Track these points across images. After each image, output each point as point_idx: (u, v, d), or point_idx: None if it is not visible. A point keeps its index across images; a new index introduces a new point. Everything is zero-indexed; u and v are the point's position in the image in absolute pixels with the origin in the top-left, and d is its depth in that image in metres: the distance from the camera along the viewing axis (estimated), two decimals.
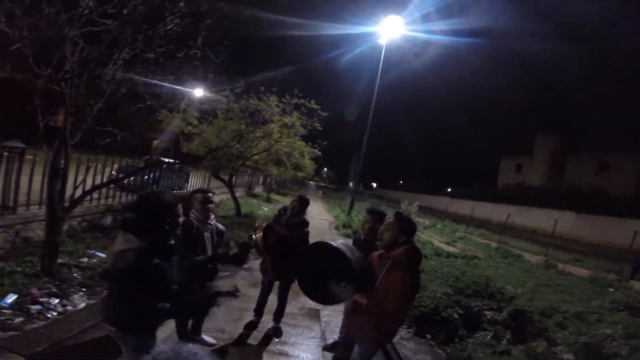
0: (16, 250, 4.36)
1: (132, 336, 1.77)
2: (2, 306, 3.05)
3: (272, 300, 3.83)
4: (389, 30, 14.34)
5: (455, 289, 5.73)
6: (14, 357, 2.29)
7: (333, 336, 3.94)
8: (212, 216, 2.98)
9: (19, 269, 3.72)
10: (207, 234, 2.89)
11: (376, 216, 3.32)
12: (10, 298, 3.16)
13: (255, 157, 10.89)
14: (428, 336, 4.36)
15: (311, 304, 4.76)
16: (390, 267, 2.24)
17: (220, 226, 3.14)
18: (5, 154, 4.52)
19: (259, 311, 3.80)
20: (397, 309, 2.23)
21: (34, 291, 3.40)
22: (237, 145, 9.20)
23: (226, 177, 11.33)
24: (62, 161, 3.96)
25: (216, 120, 9.55)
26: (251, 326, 3.73)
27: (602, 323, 4.87)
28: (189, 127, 9.67)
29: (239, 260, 3.00)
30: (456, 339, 4.27)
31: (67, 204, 4.13)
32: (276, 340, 3.64)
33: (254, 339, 3.59)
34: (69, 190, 4.15)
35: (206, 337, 3.26)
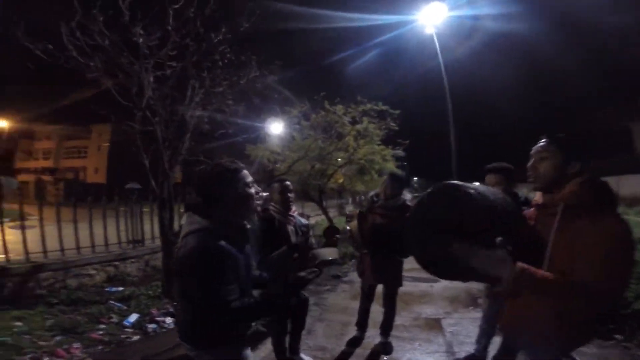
0: (146, 277, 5.12)
1: (207, 352, 1.37)
2: (125, 325, 3.33)
3: (378, 311, 3.21)
4: (433, 18, 12.97)
5: None
6: None
7: (465, 348, 3.06)
8: (294, 208, 2.64)
9: (145, 293, 4.20)
10: (290, 227, 2.54)
11: (506, 173, 2.45)
12: (133, 318, 3.45)
13: (337, 176, 10.62)
14: (617, 337, 3.06)
15: (429, 312, 3.94)
16: (565, 217, 1.31)
17: (304, 220, 2.75)
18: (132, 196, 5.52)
19: (361, 323, 3.20)
20: (602, 285, 1.17)
21: (154, 311, 3.66)
22: (318, 165, 9.11)
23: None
24: (166, 192, 4.32)
25: (294, 142, 9.65)
26: (355, 342, 3.14)
27: None
28: (274, 156, 9.97)
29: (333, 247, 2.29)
30: None
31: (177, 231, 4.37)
32: (385, 358, 2.97)
33: (359, 357, 2.98)
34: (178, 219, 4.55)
35: (306, 358, 2.79)
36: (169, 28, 4.48)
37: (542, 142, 1.46)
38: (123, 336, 3.07)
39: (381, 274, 2.95)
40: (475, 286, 5.12)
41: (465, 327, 3.51)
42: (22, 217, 4.26)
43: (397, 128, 9.45)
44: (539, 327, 1.36)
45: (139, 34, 4.32)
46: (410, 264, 3.10)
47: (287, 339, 2.69)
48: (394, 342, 3.11)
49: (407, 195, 2.98)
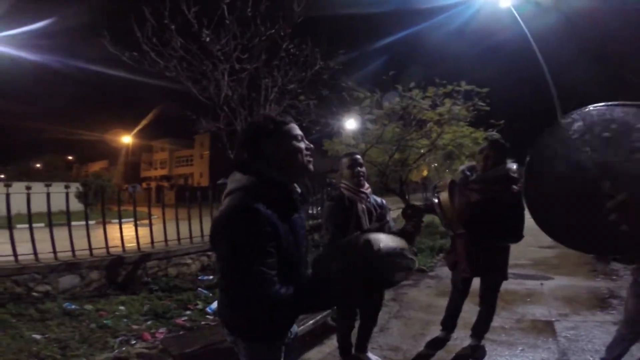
0: None
1: (242, 341, 1.20)
2: (207, 312, 3.44)
3: (468, 311, 2.74)
4: None
5: None
6: (165, 357, 2.34)
7: (585, 357, 2.42)
8: (367, 185, 2.32)
9: None
10: (361, 206, 2.24)
11: None
12: (215, 304, 3.47)
13: (421, 167, 9.89)
14: None
15: (537, 314, 3.29)
16: None
17: (379, 199, 2.41)
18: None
19: (448, 323, 2.76)
20: None
21: None
22: (397, 155, 8.61)
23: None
24: None
25: (368, 131, 9.30)
26: (437, 344, 2.71)
27: None
28: (349, 148, 9.79)
29: (408, 235, 1.62)
30: None
31: None
32: None
33: None
34: None
35: (373, 357, 2.50)
36: (235, 32, 4.77)
37: None
38: (203, 322, 3.21)
39: (481, 264, 2.43)
40: (603, 284, 4.16)
41: (588, 332, 2.80)
42: (149, 215, 4.85)
43: (487, 108, 8.35)
44: None
45: (209, 39, 4.65)
46: (513, 258, 2.57)
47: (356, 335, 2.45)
48: (488, 346, 2.61)
49: (512, 165, 2.40)
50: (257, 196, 1.08)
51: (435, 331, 2.83)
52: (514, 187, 2.34)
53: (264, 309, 1.08)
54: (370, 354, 2.48)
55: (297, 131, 1.21)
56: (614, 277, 4.46)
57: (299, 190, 1.22)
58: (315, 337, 2.76)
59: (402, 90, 8.43)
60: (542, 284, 4.29)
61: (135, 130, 33.80)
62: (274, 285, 1.05)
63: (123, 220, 4.59)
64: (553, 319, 3.14)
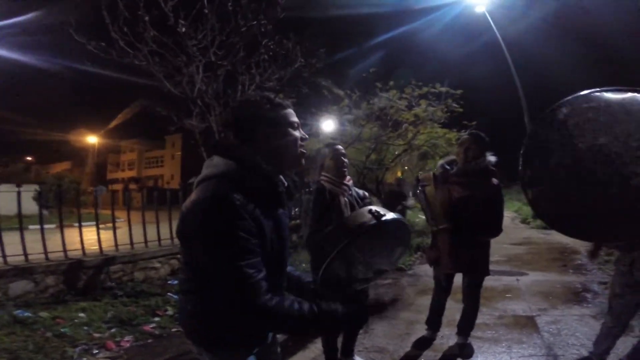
0: None
1: (209, 352, 1.01)
2: (178, 317, 3.14)
3: (451, 308, 2.68)
4: None
5: None
6: None
7: (572, 351, 2.42)
8: (349, 177, 2.23)
9: None
10: (343, 199, 2.12)
11: None
12: None
13: (396, 168, 9.99)
14: None
15: (518, 309, 3.29)
16: None
17: (361, 191, 2.33)
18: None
19: (433, 321, 2.67)
20: None
21: None
22: (374, 155, 8.63)
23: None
24: None
25: (347, 132, 9.28)
26: (423, 343, 2.62)
27: None
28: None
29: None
30: None
31: None
32: None
33: None
34: None
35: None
36: (214, 24, 4.57)
37: None
38: (174, 329, 2.96)
39: (463, 260, 2.36)
40: (575, 279, 4.28)
41: (569, 327, 2.82)
42: (112, 218, 4.54)
43: (460, 110, 8.59)
44: None
45: (185, 30, 4.42)
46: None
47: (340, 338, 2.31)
48: (474, 344, 2.55)
49: (492, 158, 2.37)
50: (237, 185, 0.91)
51: (420, 330, 2.75)
52: (494, 180, 2.33)
53: (247, 320, 0.91)
54: (357, 358, 2.35)
55: (295, 118, 1.06)
56: (584, 272, 4.62)
57: (285, 183, 1.05)
58: (297, 342, 2.59)
59: (380, 90, 8.51)
60: (517, 279, 4.36)
61: (102, 131, 32.12)
62: (263, 293, 0.87)
63: (86, 223, 4.26)
64: (534, 314, 3.15)
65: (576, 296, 3.62)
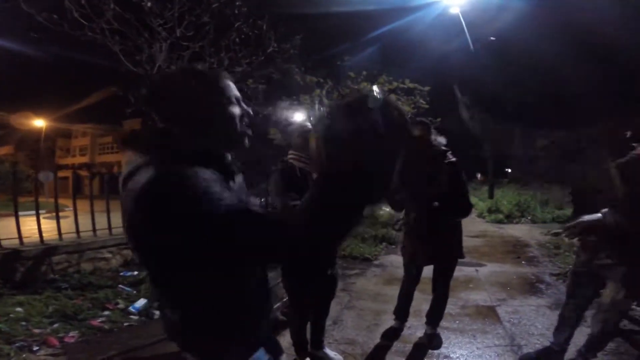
0: None
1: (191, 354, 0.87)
2: (131, 311, 3.03)
3: (416, 299, 2.68)
4: None
5: None
6: None
7: (533, 341, 2.48)
8: None
9: None
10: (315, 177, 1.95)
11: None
12: (140, 303, 3.14)
13: None
14: None
15: (479, 299, 3.36)
16: None
17: None
18: None
19: (401, 311, 2.66)
20: None
21: None
22: None
23: None
24: None
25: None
26: (392, 334, 2.60)
27: None
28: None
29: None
30: None
31: None
32: (435, 352, 2.39)
33: (398, 353, 2.43)
34: None
35: (331, 353, 2.28)
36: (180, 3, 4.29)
37: None
38: (126, 324, 2.74)
39: (439, 246, 2.33)
40: (529, 270, 4.49)
41: (528, 317, 2.92)
42: (56, 205, 4.07)
43: (427, 106, 8.83)
44: None
45: (150, 9, 4.10)
46: None
47: (309, 330, 2.22)
48: (441, 334, 2.56)
49: (442, 139, 2.39)
50: (180, 162, 0.70)
51: (388, 321, 2.73)
52: (450, 157, 2.32)
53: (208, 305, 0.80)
54: (327, 350, 2.26)
55: (234, 91, 0.85)
56: (536, 264, 4.88)
57: (229, 157, 0.87)
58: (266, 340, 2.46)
59: (352, 81, 8.53)
60: (477, 270, 4.51)
61: (53, 115, 29.33)
62: (267, 213, 0.76)
63: (27, 212, 3.81)
64: (494, 304, 3.25)
65: (531, 287, 3.79)
